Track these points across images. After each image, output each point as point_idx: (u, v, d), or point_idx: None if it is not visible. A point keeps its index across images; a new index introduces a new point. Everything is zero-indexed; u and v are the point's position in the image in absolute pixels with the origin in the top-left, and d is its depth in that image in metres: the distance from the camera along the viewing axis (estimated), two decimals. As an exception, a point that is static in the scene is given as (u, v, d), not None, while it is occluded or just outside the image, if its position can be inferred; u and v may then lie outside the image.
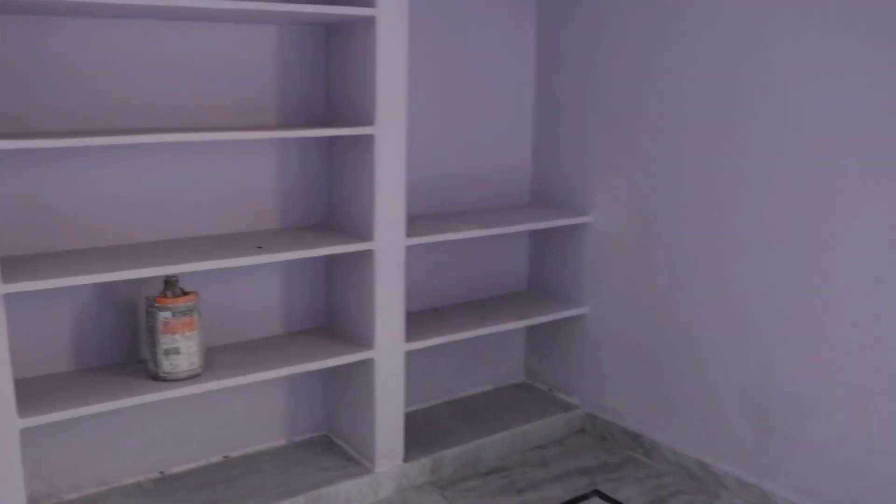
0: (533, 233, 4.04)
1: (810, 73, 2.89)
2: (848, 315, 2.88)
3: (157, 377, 2.82)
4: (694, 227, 3.32)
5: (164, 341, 2.79)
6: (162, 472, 3.22)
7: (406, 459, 3.37)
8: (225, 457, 3.36)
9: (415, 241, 3.19)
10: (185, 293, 2.85)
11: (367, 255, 3.11)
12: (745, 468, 3.26)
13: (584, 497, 3.32)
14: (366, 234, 3.10)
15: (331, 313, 3.44)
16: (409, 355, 3.43)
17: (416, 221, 3.43)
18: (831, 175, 2.87)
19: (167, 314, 2.79)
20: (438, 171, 3.70)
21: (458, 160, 3.76)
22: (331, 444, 3.50)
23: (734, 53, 3.10)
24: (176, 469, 3.25)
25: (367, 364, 3.21)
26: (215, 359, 3.05)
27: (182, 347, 2.81)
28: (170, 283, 2.83)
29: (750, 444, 3.23)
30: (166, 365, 2.80)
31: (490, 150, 3.85)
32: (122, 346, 3.05)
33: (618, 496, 3.32)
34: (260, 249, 2.91)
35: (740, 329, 3.21)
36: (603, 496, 3.32)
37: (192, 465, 3.28)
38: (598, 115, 3.62)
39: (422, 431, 3.62)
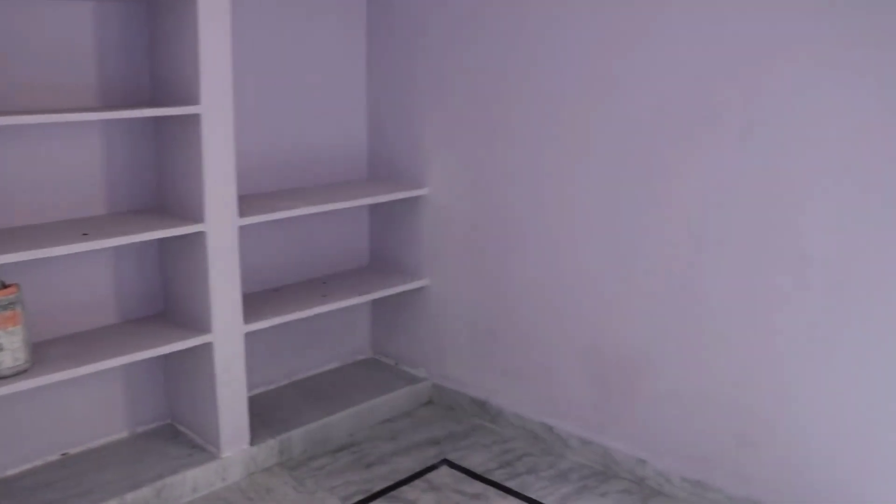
0: (372, 208, 4.03)
1: (629, 43, 2.98)
2: (674, 274, 3.00)
3: (-21, 376, 2.69)
4: (526, 195, 3.38)
5: (-15, 338, 2.66)
6: (-7, 475, 3.08)
7: (253, 443, 3.32)
8: (64, 454, 3.22)
9: (248, 220, 3.14)
10: (5, 286, 2.71)
11: (199, 237, 3.04)
12: (587, 427, 3.36)
13: (433, 467, 3.35)
14: (197, 216, 3.03)
15: (167, 299, 3.35)
16: (252, 337, 3.38)
17: (251, 201, 3.37)
18: (654, 138, 2.97)
19: (-14, 309, 2.65)
20: (273, 150, 3.64)
21: (293, 138, 3.71)
22: (176, 433, 3.41)
23: (558, 22, 3.16)
24: (11, 472, 3.10)
25: (206, 348, 3.14)
26: (44, 353, 2.92)
27: (5, 343, 2.67)
28: (-12, 276, 2.69)
29: (590, 404, 3.34)
30: (-11, 362, 2.67)
31: (325, 127, 3.82)
32: (-60, 346, 2.88)
33: (466, 464, 3.37)
34: (86, 236, 2.80)
35: (576, 292, 3.29)
36: (452, 465, 3.37)
37: (28, 466, 3.13)
38: (431, 87, 3.64)
39: (269, 413, 3.58)
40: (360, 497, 3.14)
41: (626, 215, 3.09)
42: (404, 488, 3.20)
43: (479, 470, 3.32)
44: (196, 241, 3.06)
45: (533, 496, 3.13)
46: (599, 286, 3.22)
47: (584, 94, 3.13)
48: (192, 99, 2.94)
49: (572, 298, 3.31)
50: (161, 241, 3.26)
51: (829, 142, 2.59)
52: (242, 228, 3.19)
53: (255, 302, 3.47)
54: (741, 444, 2.94)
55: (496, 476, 3.28)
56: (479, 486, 3.21)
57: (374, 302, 4.10)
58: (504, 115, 3.39)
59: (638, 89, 2.98)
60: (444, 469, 3.34)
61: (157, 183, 3.26)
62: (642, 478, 3.20)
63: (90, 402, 3.26)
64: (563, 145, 3.23)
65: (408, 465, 3.37)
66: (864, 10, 2.47)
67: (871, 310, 2.59)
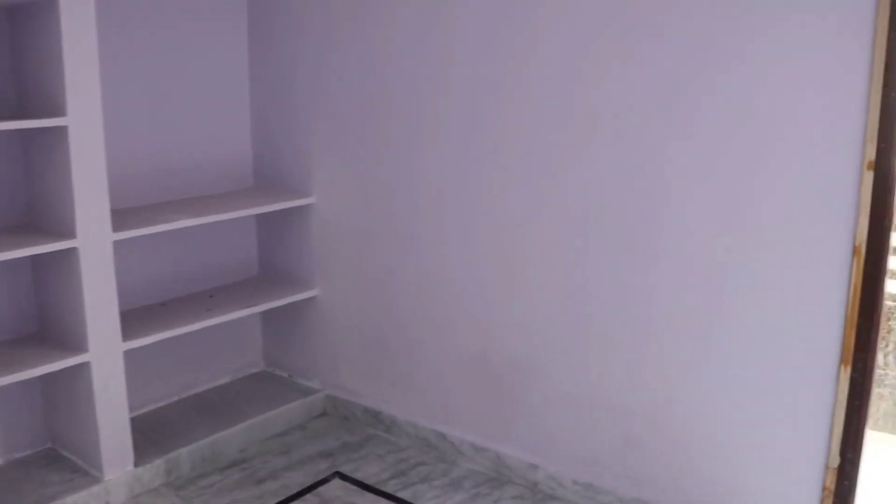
0: (260, 218, 3.95)
1: (509, 47, 2.97)
2: (557, 278, 3.00)
3: None
4: (410, 201, 3.35)
5: None
6: None
7: (138, 463, 3.21)
8: (-67, 485, 3.08)
9: (122, 235, 3.03)
10: None
11: (72, 253, 2.92)
12: (479, 434, 3.34)
13: (325, 480, 3.30)
14: (68, 232, 2.91)
15: (42, 318, 3.22)
16: (138, 354, 3.28)
17: (127, 214, 3.26)
18: (536, 140, 2.96)
19: None
20: (152, 161, 3.53)
21: (174, 148, 3.61)
22: (56, 457, 3.28)
23: (438, 26, 3.14)
24: None
25: (83, 368, 3.03)
26: None
27: None
28: None
29: (481, 411, 3.32)
30: None
31: (207, 135, 3.72)
32: None
33: (359, 475, 3.32)
34: (-53, 257, 2.68)
35: (463, 299, 3.27)
36: (344, 477, 3.31)
37: None
38: (314, 92, 3.58)
39: (156, 432, 3.47)
40: (249, 515, 3.08)
41: (509, 220, 3.08)
42: (295, 503, 3.14)
43: (371, 481, 3.28)
44: (69, 258, 2.95)
45: (425, 506, 3.11)
46: (486, 292, 3.20)
47: (464, 98, 3.11)
48: (59, 111, 2.83)
49: (460, 305, 3.29)
50: (34, 258, 3.13)
51: (701, 142, 2.62)
52: (122, 242, 3.09)
53: (136, 318, 3.36)
54: (629, 445, 2.95)
55: (389, 487, 3.24)
56: (370, 498, 3.16)
57: (266, 313, 4.02)
58: (386, 121, 3.35)
59: (518, 92, 2.98)
60: (336, 482, 3.29)
61: (27, 198, 3.13)
62: (535, 482, 3.19)
63: (-38, 429, 3.13)
64: (445, 151, 3.20)
65: (299, 479, 3.30)
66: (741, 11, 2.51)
67: (747, 309, 2.63)
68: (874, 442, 3.83)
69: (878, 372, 3.94)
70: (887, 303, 3.89)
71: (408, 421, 3.55)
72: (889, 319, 3.86)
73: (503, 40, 2.98)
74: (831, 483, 2.62)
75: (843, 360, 2.52)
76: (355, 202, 3.53)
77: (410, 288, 3.43)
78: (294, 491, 3.22)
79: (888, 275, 3.82)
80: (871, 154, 2.38)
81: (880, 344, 3.92)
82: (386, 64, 3.31)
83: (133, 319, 3.32)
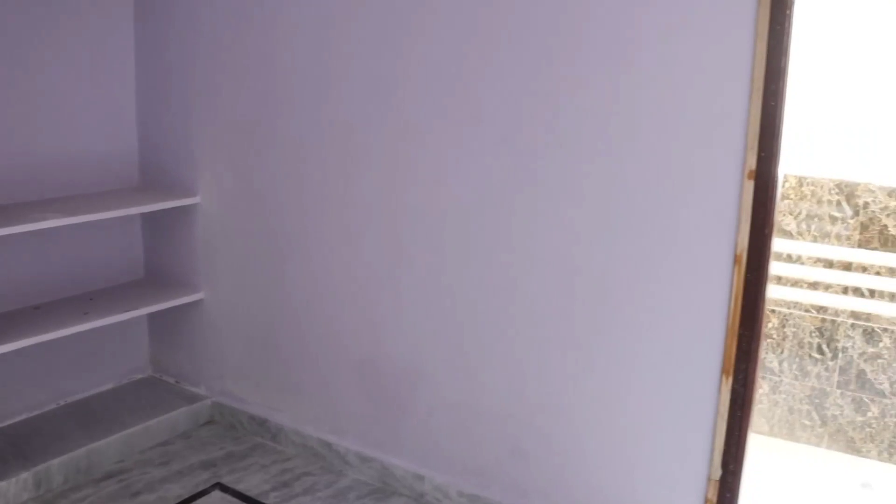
0: (146, 218, 3.78)
1: (395, 45, 2.88)
2: (441, 283, 2.92)
3: None
4: (297, 203, 3.24)
5: None
6: None
7: (3, 477, 3.04)
8: None
9: (-19, 235, 2.87)
10: None
11: (-74, 254, 2.76)
12: (366, 443, 3.25)
13: (205, 492, 3.17)
14: (-78, 231, 2.75)
15: None
16: (9, 360, 3.13)
17: (-3, 213, 3.10)
18: (423, 142, 2.88)
19: None
20: (28, 157, 3.35)
21: (52, 145, 3.43)
22: (-85, 470, 3.10)
23: (324, 24, 3.03)
24: None
25: (-59, 377, 2.86)
26: None
27: None
28: None
29: (368, 419, 3.22)
30: None
31: (89, 131, 3.55)
32: None
33: (241, 487, 3.20)
34: None
35: (348, 304, 3.18)
36: (225, 489, 3.19)
37: None
38: (200, 87, 3.43)
39: (26, 442, 3.30)
40: (120, 530, 2.94)
41: (394, 222, 2.99)
42: (170, 517, 3.02)
43: (253, 493, 3.16)
44: (-76, 259, 2.78)
45: (306, 519, 3.01)
46: (371, 297, 3.11)
47: (350, 96, 3.01)
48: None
49: (345, 310, 3.19)
50: None
51: (581, 147, 2.57)
52: (-6, 242, 2.92)
53: (7, 321, 3.19)
54: (515, 455, 2.89)
55: (271, 499, 3.12)
56: (250, 512, 3.05)
57: (153, 317, 3.86)
58: (273, 120, 3.23)
59: (401, 93, 2.89)
60: (217, 494, 3.16)
61: None
62: (421, 493, 3.11)
63: None
64: (330, 151, 3.10)
65: (177, 491, 3.17)
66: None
67: (629, 318, 2.59)
68: (769, 449, 3.84)
69: (773, 378, 3.96)
70: (782, 309, 3.90)
71: (295, 429, 3.44)
72: (784, 326, 3.87)
73: (393, 38, 2.89)
74: (713, 495, 2.58)
75: (724, 371, 2.48)
76: (242, 202, 3.40)
77: (297, 291, 3.32)
78: (171, 504, 3.09)
79: (771, 282, 3.84)
80: (752, 163, 2.35)
81: (776, 350, 3.94)
82: (274, 63, 3.19)
83: (3, 322, 3.15)
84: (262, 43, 3.21)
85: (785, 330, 3.90)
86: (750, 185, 2.36)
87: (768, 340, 3.93)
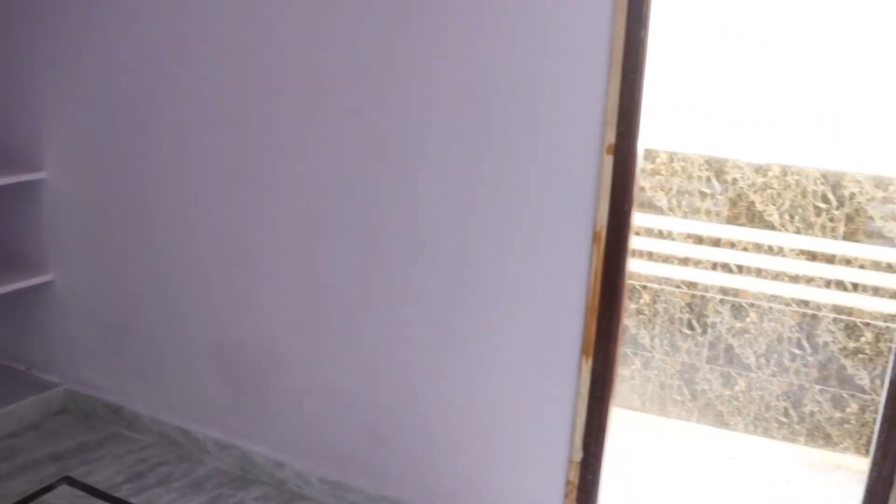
0: (-12, 195, 3.54)
1: (246, 14, 2.73)
2: (295, 264, 2.81)
3: None
4: (148, 180, 3.06)
5: None
6: None
7: None
8: None
9: None
10: None
11: None
12: (224, 430, 3.11)
13: (51, 487, 2.99)
14: None
15: None
16: None
17: None
18: (272, 114, 2.74)
19: None
20: None
21: None
22: None
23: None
24: None
25: None
26: None
27: None
28: None
29: (225, 405, 3.09)
30: None
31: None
32: None
33: (90, 480, 3.03)
34: None
35: (201, 285, 3.03)
36: (73, 482, 3.01)
37: None
38: (46, 61, 3.19)
39: None
40: (-46, 531, 2.74)
41: (245, 199, 2.85)
42: (11, 515, 2.83)
43: (103, 486, 2.99)
44: None
45: (159, 512, 2.86)
46: (224, 278, 2.96)
47: (203, 68, 2.84)
48: None
49: (198, 292, 3.04)
50: None
51: (438, 121, 2.47)
52: None
53: None
54: (374, 441, 2.80)
55: (122, 492, 2.96)
56: (99, 506, 2.89)
57: (-1, 301, 3.63)
58: (122, 90, 3.03)
59: (256, 71, 2.74)
60: (64, 488, 2.98)
61: None
62: (282, 481, 2.99)
63: None
64: (183, 121, 2.93)
65: (20, 487, 2.97)
66: None
67: (488, 298, 2.52)
68: (640, 425, 3.85)
69: (645, 354, 3.96)
70: (654, 285, 3.90)
71: (151, 417, 3.27)
72: (655, 302, 3.87)
73: (247, 14, 2.73)
74: (575, 477, 2.54)
75: (583, 351, 2.43)
76: (91, 178, 3.19)
77: (150, 272, 3.14)
78: (13, 501, 2.89)
79: (643, 258, 3.84)
80: (611, 138, 2.29)
81: (647, 326, 3.94)
82: (125, 32, 2.99)
83: None
84: (109, 10, 3.00)
85: (656, 306, 3.90)
86: (609, 160, 2.30)
87: (640, 317, 3.93)
